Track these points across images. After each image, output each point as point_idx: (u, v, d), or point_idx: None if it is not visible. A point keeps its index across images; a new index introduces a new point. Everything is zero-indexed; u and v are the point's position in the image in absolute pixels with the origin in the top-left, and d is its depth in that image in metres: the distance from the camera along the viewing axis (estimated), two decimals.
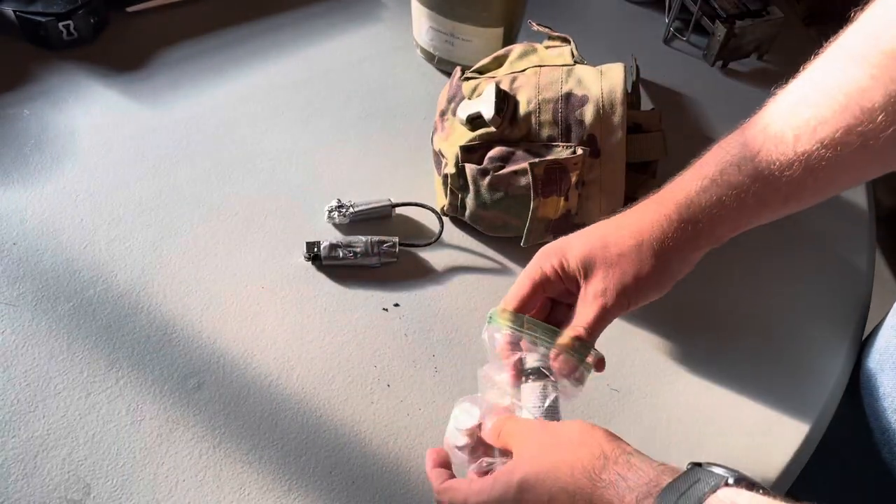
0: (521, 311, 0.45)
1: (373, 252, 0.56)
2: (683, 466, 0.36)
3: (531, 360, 0.44)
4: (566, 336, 0.43)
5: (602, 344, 0.44)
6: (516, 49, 0.61)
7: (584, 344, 0.43)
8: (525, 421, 0.42)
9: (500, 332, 0.45)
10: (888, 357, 0.53)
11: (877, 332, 0.57)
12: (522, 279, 0.46)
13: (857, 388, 0.55)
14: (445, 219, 0.60)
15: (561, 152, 0.54)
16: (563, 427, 0.40)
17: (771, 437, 0.52)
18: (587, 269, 0.44)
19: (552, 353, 0.43)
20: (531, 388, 0.44)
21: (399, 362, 0.53)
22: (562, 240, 0.47)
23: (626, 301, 0.44)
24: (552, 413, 0.43)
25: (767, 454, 0.51)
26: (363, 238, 0.57)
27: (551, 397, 0.43)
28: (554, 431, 0.40)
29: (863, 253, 0.63)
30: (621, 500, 0.35)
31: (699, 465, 0.36)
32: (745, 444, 0.51)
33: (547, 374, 0.44)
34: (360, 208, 0.59)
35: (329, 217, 0.59)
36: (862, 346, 0.57)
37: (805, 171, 0.41)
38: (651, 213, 0.45)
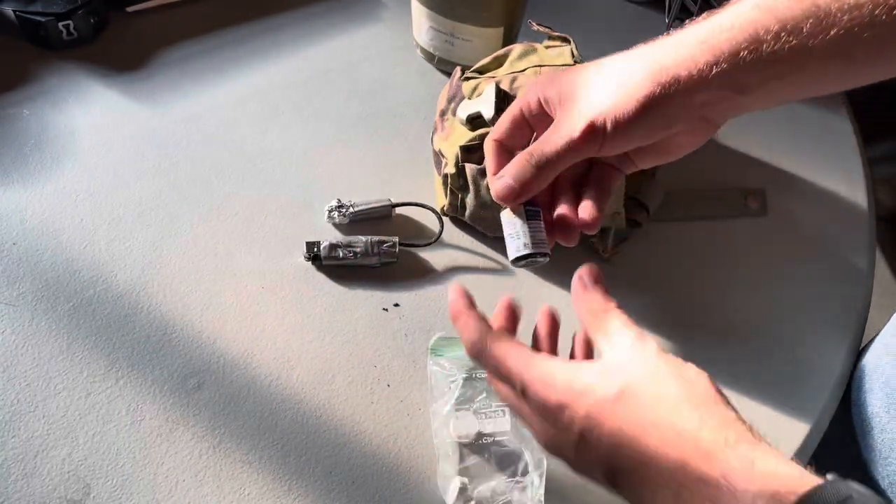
0: (507, 143, 0.44)
1: (373, 252, 0.56)
2: None
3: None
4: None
5: None
6: (516, 49, 0.61)
7: (536, 163, 0.41)
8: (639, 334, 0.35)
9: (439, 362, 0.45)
10: (878, 376, 0.53)
11: (867, 349, 0.56)
12: (506, 113, 0.44)
13: (848, 406, 0.55)
14: (445, 219, 0.60)
15: None
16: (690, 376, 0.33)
17: (769, 437, 0.52)
18: (564, 96, 0.41)
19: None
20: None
21: (399, 362, 0.53)
22: (553, 73, 0.45)
23: (600, 132, 0.39)
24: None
25: None
26: (363, 238, 0.57)
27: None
28: (679, 373, 0.33)
29: (863, 253, 0.63)
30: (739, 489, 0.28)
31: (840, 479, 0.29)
32: None
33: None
34: (360, 208, 0.59)
35: (329, 217, 0.59)
36: (854, 362, 0.57)
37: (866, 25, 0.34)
38: (648, 47, 0.40)
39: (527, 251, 0.43)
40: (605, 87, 0.39)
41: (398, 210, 0.61)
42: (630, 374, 0.33)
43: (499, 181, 0.42)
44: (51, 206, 0.58)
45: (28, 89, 0.66)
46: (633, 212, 0.60)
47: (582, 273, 0.38)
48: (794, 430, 0.52)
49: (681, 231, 0.63)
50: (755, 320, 0.58)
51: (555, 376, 0.34)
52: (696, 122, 0.40)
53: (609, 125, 0.39)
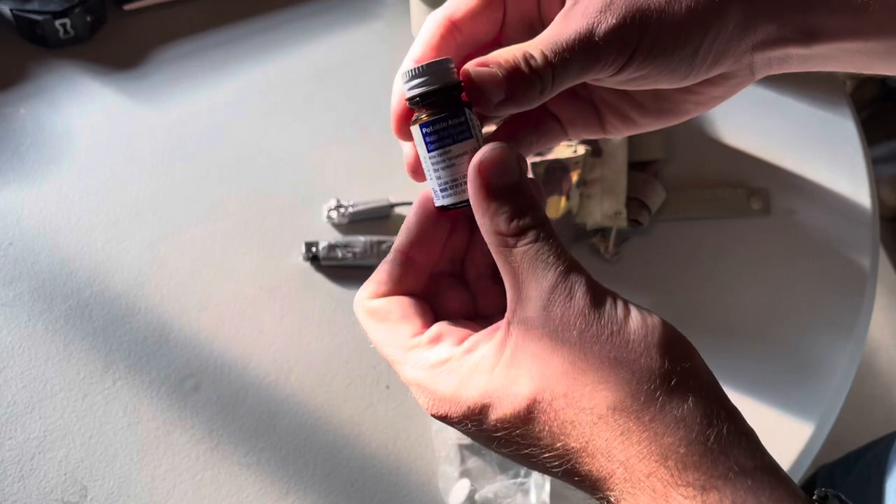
0: (463, 25, 0.31)
1: (372, 252, 0.56)
2: None
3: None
4: (511, 50, 0.28)
5: None
6: None
7: (536, 74, 0.27)
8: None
9: None
10: None
11: None
12: None
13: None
14: None
15: (562, 151, 0.54)
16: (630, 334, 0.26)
17: (772, 439, 0.52)
18: None
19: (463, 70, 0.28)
20: None
21: None
22: None
23: (638, 35, 0.27)
24: None
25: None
26: (362, 238, 0.56)
27: None
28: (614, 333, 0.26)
29: (866, 253, 0.63)
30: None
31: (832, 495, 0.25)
32: None
33: None
34: (359, 208, 0.59)
35: (328, 217, 0.59)
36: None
37: None
38: None
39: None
40: None
41: (397, 210, 0.60)
42: (541, 378, 0.25)
43: (481, 70, 0.28)
44: (47, 205, 0.58)
45: (24, 88, 0.65)
46: (634, 212, 0.59)
47: (484, 158, 0.27)
48: (798, 432, 0.52)
49: (683, 231, 0.62)
50: (758, 321, 0.58)
51: (437, 385, 0.27)
52: (737, 67, 0.30)
53: (654, 29, 0.27)
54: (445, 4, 0.32)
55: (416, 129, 0.29)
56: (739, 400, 0.56)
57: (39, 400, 0.48)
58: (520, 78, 0.27)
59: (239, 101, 0.67)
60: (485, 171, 0.27)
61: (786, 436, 0.51)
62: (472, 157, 0.28)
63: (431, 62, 0.28)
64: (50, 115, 0.64)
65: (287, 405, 0.50)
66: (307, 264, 0.56)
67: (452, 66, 0.29)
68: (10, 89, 0.65)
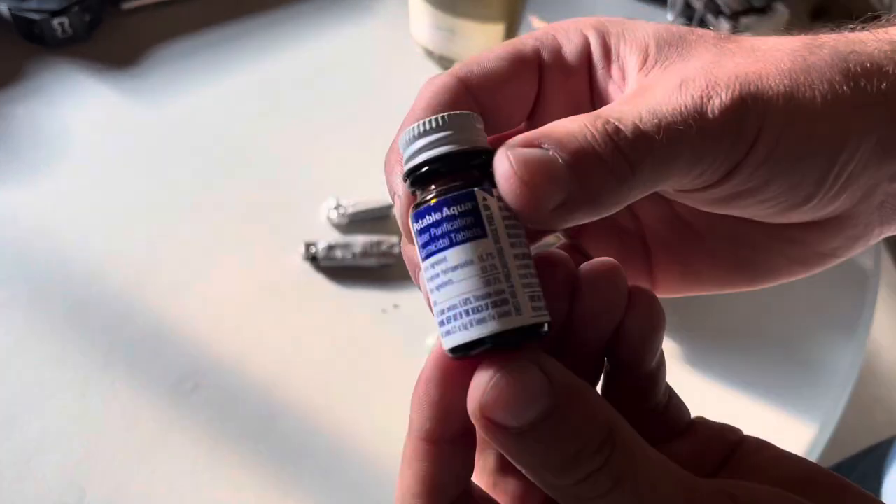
0: (480, 91, 0.21)
1: (371, 252, 0.56)
2: None
3: None
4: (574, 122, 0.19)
5: None
6: None
7: (625, 158, 0.18)
8: None
9: None
10: None
11: None
12: (496, 51, 0.22)
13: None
14: None
15: None
16: None
17: (775, 441, 0.51)
18: (664, 41, 0.22)
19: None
20: None
21: (398, 365, 0.52)
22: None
23: (748, 132, 0.19)
24: None
25: None
26: (361, 238, 0.56)
27: None
28: None
29: (869, 252, 0.62)
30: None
31: None
32: None
33: None
34: (359, 208, 0.58)
35: (327, 217, 0.58)
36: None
37: None
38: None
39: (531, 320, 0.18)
40: (754, 56, 0.20)
41: None
42: None
43: (527, 152, 0.18)
44: (45, 205, 0.58)
45: (22, 87, 0.65)
46: None
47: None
48: (801, 434, 0.51)
49: None
50: (760, 321, 0.57)
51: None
52: (863, 206, 0.22)
53: (778, 120, 0.19)
54: (454, 68, 0.22)
55: (411, 222, 0.19)
56: (740, 401, 0.56)
57: (36, 401, 0.48)
58: (598, 163, 0.17)
59: (237, 100, 0.67)
60: (492, 412, 0.17)
61: (788, 438, 0.51)
62: (484, 269, 0.17)
63: (445, 115, 0.19)
64: (48, 114, 0.63)
65: (286, 406, 0.49)
66: (306, 264, 0.56)
67: (481, 125, 0.19)
68: (7, 88, 0.65)
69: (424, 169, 0.19)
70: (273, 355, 0.52)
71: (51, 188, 0.59)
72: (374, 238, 0.56)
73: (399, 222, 0.21)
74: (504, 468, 0.21)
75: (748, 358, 0.55)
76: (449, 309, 0.18)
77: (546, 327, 0.18)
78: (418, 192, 0.19)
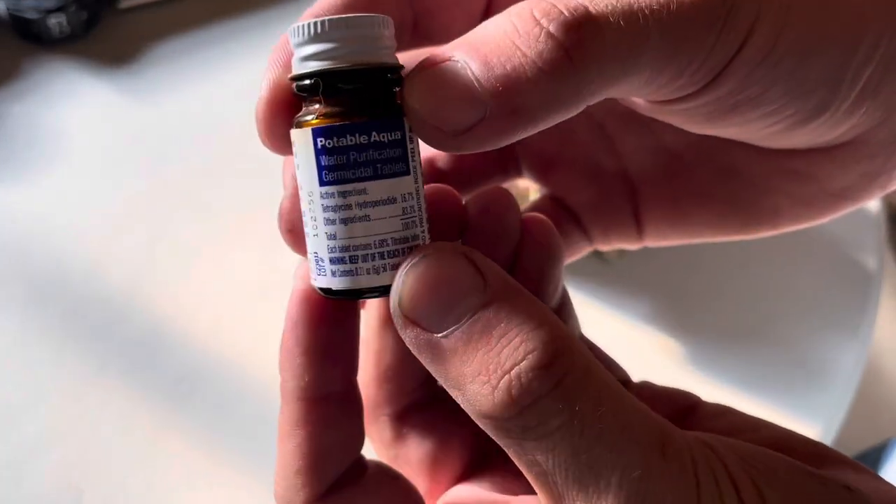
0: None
1: None
2: None
3: None
4: None
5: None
6: None
7: (554, 62, 0.14)
8: None
9: None
10: None
11: None
12: None
13: None
14: None
15: None
16: None
17: None
18: None
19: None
20: None
21: None
22: None
23: (742, 20, 0.15)
24: None
25: None
26: None
27: None
28: None
29: (872, 253, 0.62)
30: None
31: None
32: None
33: None
34: None
35: None
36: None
37: None
38: None
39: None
40: None
41: None
42: None
43: (439, 67, 0.16)
44: (41, 205, 0.57)
45: (19, 86, 0.65)
46: None
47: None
48: (803, 434, 0.51)
49: None
50: (762, 321, 0.57)
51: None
52: (885, 130, 0.18)
53: (780, 4, 0.15)
54: None
55: (302, 138, 0.16)
56: (742, 402, 0.56)
57: (33, 402, 0.47)
58: (520, 63, 0.14)
59: (237, 98, 0.67)
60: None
61: None
62: (405, 210, 0.16)
63: (350, 17, 0.16)
64: (44, 113, 0.63)
65: None
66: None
67: (390, 32, 0.17)
68: (3, 87, 0.65)
69: (329, 82, 0.15)
70: (272, 356, 0.51)
71: (47, 187, 0.58)
72: None
73: (258, 119, 0.17)
74: (404, 435, 0.19)
75: (750, 358, 0.55)
76: (356, 248, 0.16)
77: None
78: (306, 103, 0.16)
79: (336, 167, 0.16)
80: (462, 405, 0.15)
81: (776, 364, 0.55)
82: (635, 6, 0.14)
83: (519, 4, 0.15)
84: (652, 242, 0.21)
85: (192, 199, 0.59)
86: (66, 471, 0.45)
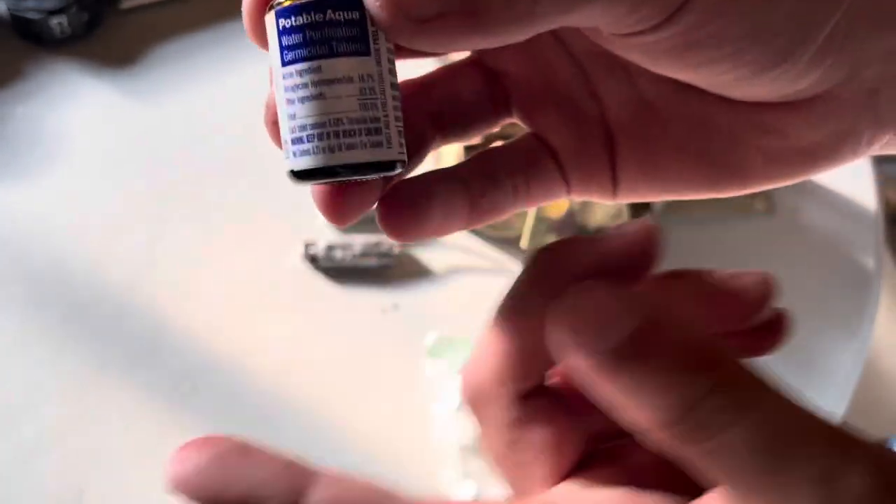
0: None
1: (371, 253, 0.55)
2: None
3: None
4: None
5: None
6: None
7: None
8: None
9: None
10: None
11: None
12: None
13: None
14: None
15: None
16: None
17: None
18: None
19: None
20: None
21: (398, 365, 0.52)
22: None
23: None
24: None
25: None
26: (361, 238, 0.56)
27: None
28: None
29: (871, 254, 0.62)
30: None
31: None
32: None
33: None
34: None
35: None
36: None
37: None
38: None
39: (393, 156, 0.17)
40: None
41: None
42: None
43: None
44: (42, 206, 0.57)
45: (20, 87, 0.65)
46: (636, 211, 0.59)
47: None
48: None
49: (685, 231, 0.62)
50: None
51: None
52: (851, 88, 0.18)
53: None
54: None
55: (269, 21, 0.17)
56: None
57: (34, 402, 0.47)
58: None
59: (238, 99, 0.67)
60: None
61: None
62: (363, 91, 0.16)
63: None
64: (46, 114, 0.63)
65: (285, 407, 0.49)
66: (305, 264, 0.56)
67: None
68: (5, 88, 0.65)
69: None
70: (272, 356, 0.51)
71: (49, 188, 0.59)
72: (373, 238, 0.56)
73: (244, 13, 0.18)
74: (527, 417, 0.18)
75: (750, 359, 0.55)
76: (313, 126, 0.16)
77: (401, 166, 0.17)
78: None
79: (293, 46, 0.16)
80: (626, 420, 0.16)
81: (775, 363, 0.55)
82: None
83: None
84: (624, 197, 0.21)
85: (192, 200, 0.59)
86: (66, 470, 0.45)
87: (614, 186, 0.21)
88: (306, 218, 0.59)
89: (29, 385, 0.48)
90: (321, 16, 0.16)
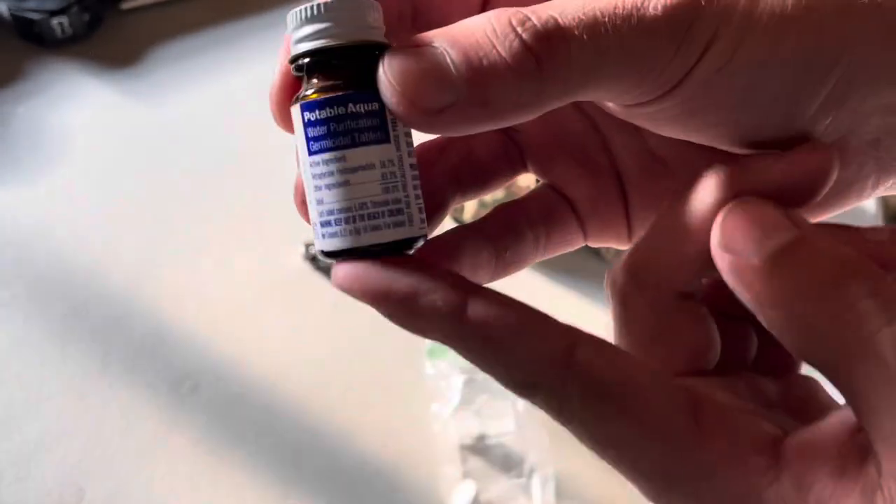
0: None
1: None
2: None
3: None
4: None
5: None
6: None
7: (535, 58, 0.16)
8: None
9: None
10: None
11: None
12: None
13: None
14: (445, 218, 0.60)
15: None
16: None
17: None
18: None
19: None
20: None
21: (398, 365, 0.52)
22: None
23: (701, 33, 0.16)
24: None
25: None
26: None
27: None
28: None
29: None
30: None
31: None
32: None
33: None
34: None
35: None
36: None
37: None
38: None
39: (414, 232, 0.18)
40: None
41: None
42: None
43: (416, 51, 0.17)
44: (45, 206, 0.58)
45: (22, 87, 0.65)
46: None
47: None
48: None
49: None
50: None
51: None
52: (859, 136, 0.18)
53: (742, 14, 0.17)
54: None
55: (295, 114, 0.18)
56: None
57: (36, 401, 0.48)
58: (493, 60, 0.16)
59: (237, 99, 0.67)
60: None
61: None
62: (385, 176, 0.17)
63: (328, 2, 0.17)
64: (47, 114, 0.63)
65: (286, 406, 0.49)
66: (306, 264, 0.56)
67: (379, 14, 0.18)
68: (7, 88, 0.65)
69: (316, 58, 0.17)
70: (272, 355, 0.52)
71: (50, 188, 0.59)
72: None
73: (271, 102, 0.19)
74: (678, 314, 0.18)
75: None
76: (340, 210, 0.17)
77: (423, 240, 0.18)
78: (305, 82, 0.18)
79: (318, 138, 0.17)
80: (774, 322, 0.16)
81: None
82: (599, 20, 0.16)
83: (497, 11, 0.16)
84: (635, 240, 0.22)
85: (193, 200, 0.59)
86: (68, 469, 0.45)
87: (629, 233, 0.22)
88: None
89: (30, 384, 0.48)
90: (343, 109, 0.17)
